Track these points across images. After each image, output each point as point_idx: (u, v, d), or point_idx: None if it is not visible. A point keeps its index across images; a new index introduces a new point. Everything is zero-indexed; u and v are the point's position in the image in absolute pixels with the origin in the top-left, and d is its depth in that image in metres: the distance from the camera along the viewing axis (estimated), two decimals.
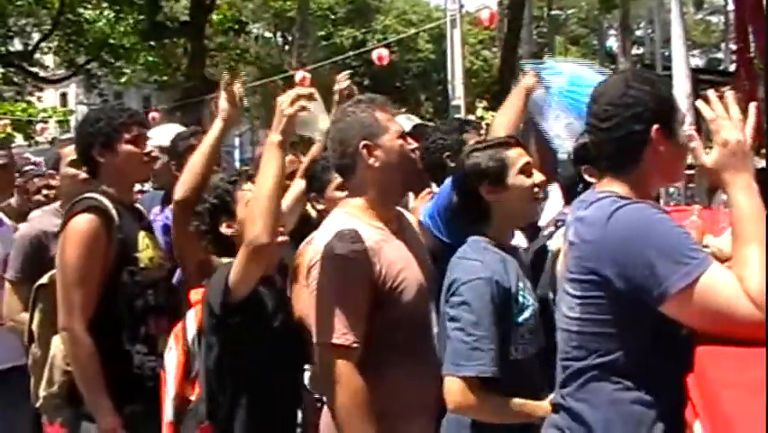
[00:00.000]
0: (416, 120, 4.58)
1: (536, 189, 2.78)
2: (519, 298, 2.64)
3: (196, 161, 3.14)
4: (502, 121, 3.49)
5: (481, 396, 2.52)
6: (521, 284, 2.67)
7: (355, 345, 2.55)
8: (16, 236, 3.91)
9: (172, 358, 2.98)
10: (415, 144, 2.94)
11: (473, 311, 2.54)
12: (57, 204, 3.99)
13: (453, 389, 2.55)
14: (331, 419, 2.65)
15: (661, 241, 2.02)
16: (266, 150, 2.70)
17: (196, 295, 3.03)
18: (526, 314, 2.64)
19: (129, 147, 3.26)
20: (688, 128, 2.28)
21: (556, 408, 2.30)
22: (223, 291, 2.74)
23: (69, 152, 3.88)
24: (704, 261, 1.98)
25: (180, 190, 3.09)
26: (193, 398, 2.91)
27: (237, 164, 31.99)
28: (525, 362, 2.64)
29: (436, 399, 2.68)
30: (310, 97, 2.68)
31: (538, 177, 2.79)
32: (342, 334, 2.54)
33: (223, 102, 3.22)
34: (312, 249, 2.76)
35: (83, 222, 3.10)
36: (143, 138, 3.33)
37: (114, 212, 3.16)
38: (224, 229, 2.96)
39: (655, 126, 2.16)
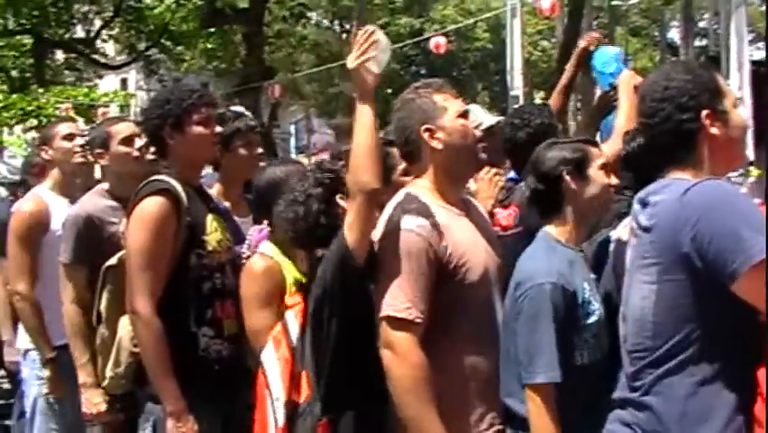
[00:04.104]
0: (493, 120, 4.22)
1: (612, 189, 2.83)
2: (585, 302, 2.64)
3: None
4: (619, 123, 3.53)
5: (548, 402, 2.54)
6: (587, 286, 2.67)
7: (418, 320, 2.54)
8: (66, 219, 3.91)
9: (273, 360, 2.91)
10: (479, 121, 2.94)
11: (536, 317, 2.57)
12: (104, 185, 3.98)
13: (526, 395, 2.58)
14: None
15: (741, 212, 2.03)
16: (356, 111, 2.66)
17: (291, 299, 3.03)
18: (592, 319, 2.65)
19: (198, 128, 3.23)
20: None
21: (622, 403, 2.26)
22: (341, 259, 2.62)
23: (119, 131, 3.90)
24: None
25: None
26: (301, 400, 2.79)
27: (293, 151, 32.21)
28: (590, 367, 2.63)
29: (497, 388, 2.69)
30: (370, 41, 2.63)
31: (615, 180, 2.84)
32: (406, 308, 2.53)
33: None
34: (378, 225, 2.74)
35: (153, 204, 3.09)
36: (212, 118, 3.29)
37: (183, 194, 3.14)
38: (342, 204, 2.82)
39: (705, 112, 2.17)
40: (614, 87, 3.84)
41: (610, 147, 3.28)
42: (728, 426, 2.06)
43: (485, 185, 3.59)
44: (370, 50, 2.62)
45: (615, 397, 2.31)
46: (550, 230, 2.79)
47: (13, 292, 4.18)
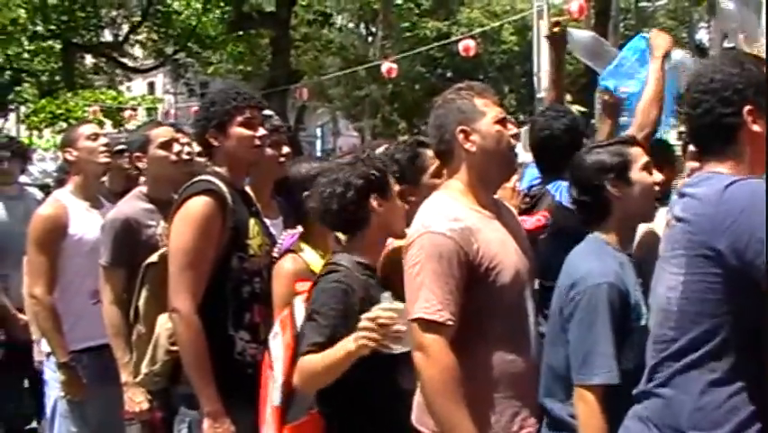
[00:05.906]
0: None
1: (657, 188, 2.78)
2: (636, 304, 2.61)
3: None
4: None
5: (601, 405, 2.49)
6: (637, 290, 2.64)
7: (449, 322, 2.53)
8: (104, 222, 3.93)
9: (279, 343, 2.94)
10: (515, 130, 2.93)
11: (593, 317, 2.53)
12: (142, 188, 4.00)
13: (576, 396, 2.54)
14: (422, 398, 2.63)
15: None
16: (345, 348, 2.69)
17: (302, 286, 3.02)
18: (641, 322, 2.59)
19: (240, 130, 3.22)
20: None
21: (639, 397, 2.26)
22: None
23: (158, 135, 3.93)
24: None
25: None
26: None
27: (319, 154, 32.29)
28: (635, 372, 2.57)
29: (533, 390, 2.68)
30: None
31: (658, 176, 2.80)
32: (437, 310, 2.52)
33: None
34: (410, 228, 2.74)
35: (199, 204, 3.09)
36: (256, 121, 3.27)
37: (228, 196, 3.14)
38: (374, 204, 2.90)
39: (747, 107, 2.14)
40: (607, 91, 3.81)
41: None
42: (744, 427, 2.05)
43: (508, 193, 3.57)
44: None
45: (634, 392, 2.30)
46: (598, 234, 2.75)
47: (29, 295, 4.19)
